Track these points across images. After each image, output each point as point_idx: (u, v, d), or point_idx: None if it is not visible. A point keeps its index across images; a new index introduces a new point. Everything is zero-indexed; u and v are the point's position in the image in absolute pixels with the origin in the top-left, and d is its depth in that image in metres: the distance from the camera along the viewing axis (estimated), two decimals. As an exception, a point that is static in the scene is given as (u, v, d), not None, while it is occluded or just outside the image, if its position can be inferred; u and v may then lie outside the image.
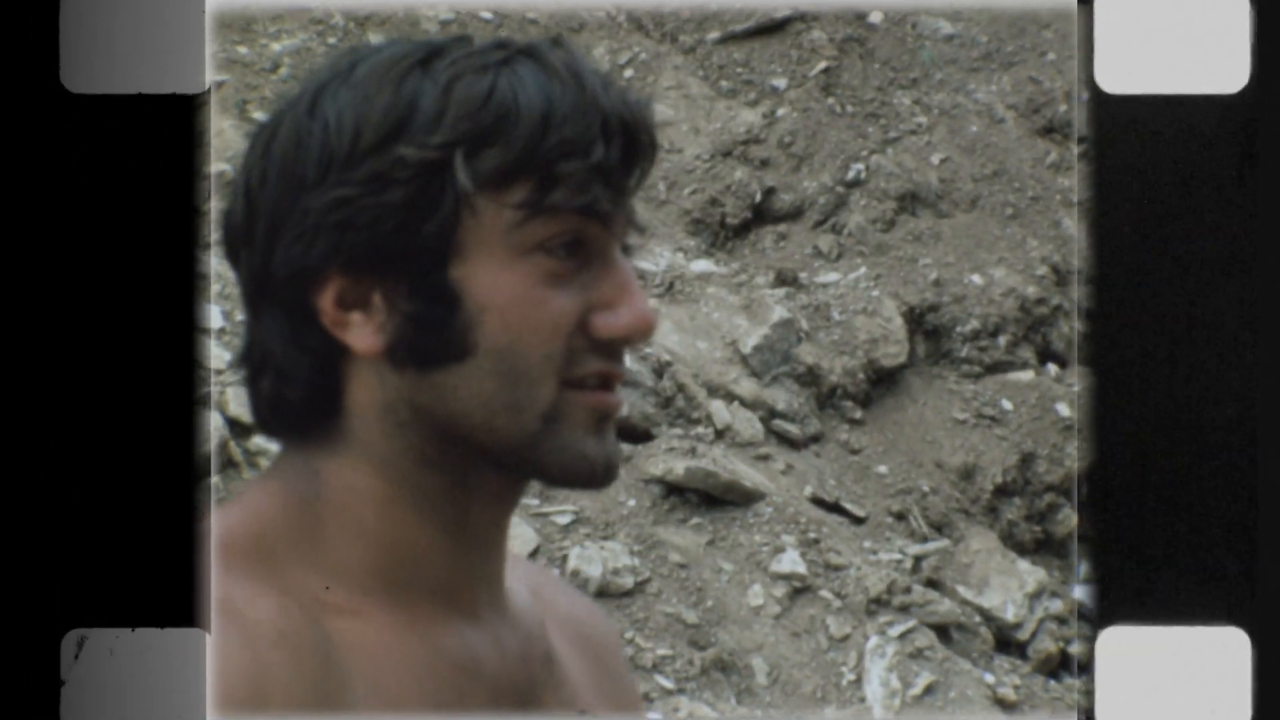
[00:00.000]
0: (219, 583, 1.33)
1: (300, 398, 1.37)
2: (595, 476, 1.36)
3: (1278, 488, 1.33)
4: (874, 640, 5.88)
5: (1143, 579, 1.34)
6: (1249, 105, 1.36)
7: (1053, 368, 6.99)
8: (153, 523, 1.36)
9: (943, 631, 6.03)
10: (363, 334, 1.35)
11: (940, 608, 6.04)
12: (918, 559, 6.19)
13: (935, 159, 7.35)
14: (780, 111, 7.37)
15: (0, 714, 1.35)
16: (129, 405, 1.37)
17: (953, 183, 7.27)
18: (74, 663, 1.34)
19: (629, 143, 1.34)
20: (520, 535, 6.12)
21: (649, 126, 1.36)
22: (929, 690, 5.79)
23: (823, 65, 7.45)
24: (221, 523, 1.37)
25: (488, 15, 7.34)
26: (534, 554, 6.09)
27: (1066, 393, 6.78)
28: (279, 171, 1.35)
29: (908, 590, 5.98)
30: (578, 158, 1.32)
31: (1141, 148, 1.36)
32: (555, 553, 6.10)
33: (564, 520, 6.19)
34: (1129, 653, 1.35)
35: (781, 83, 7.46)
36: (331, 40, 7.15)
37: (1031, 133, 7.56)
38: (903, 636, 5.88)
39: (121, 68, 1.38)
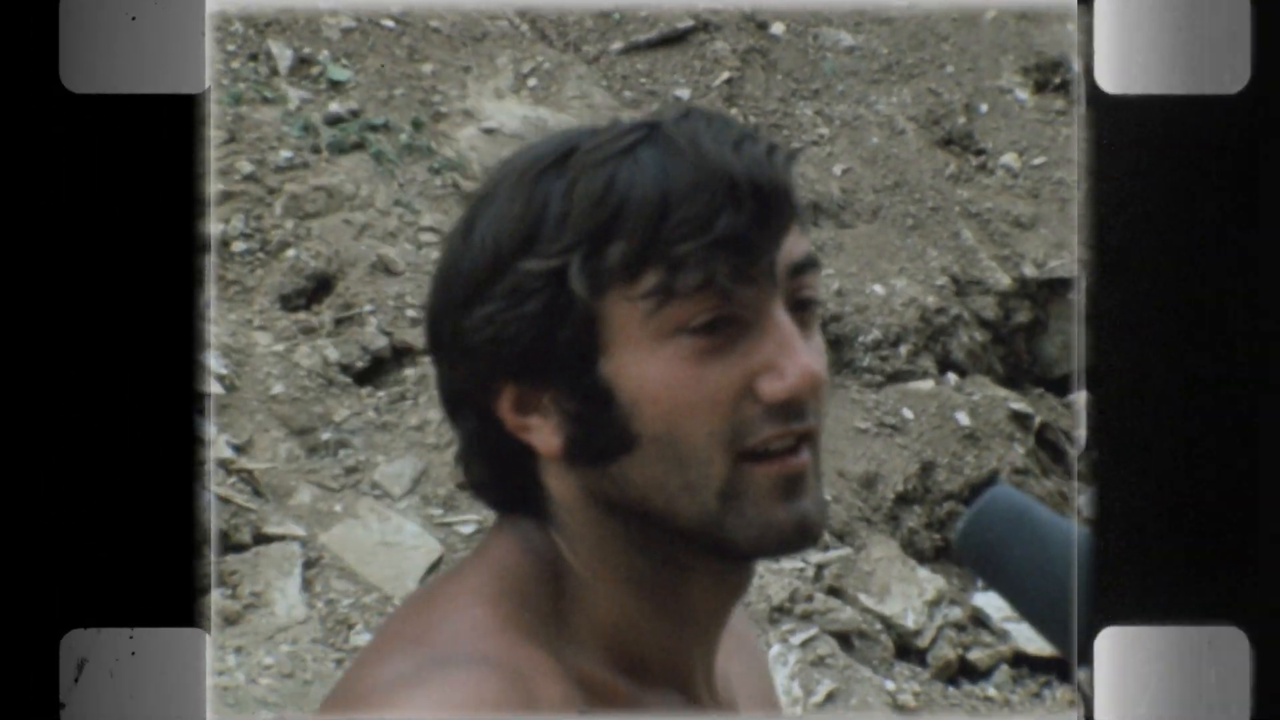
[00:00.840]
0: (498, 637, 1.34)
1: (504, 492, 1.41)
2: (787, 543, 1.36)
3: (1278, 488, 1.33)
4: (776, 648, 5.90)
5: (1142, 579, 1.34)
6: (1249, 105, 1.36)
7: (952, 377, 7.04)
8: (153, 523, 1.34)
9: (844, 639, 6.06)
10: (543, 436, 1.37)
11: (842, 615, 6.08)
12: (820, 567, 6.22)
13: (837, 170, 7.39)
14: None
15: (1, 714, 1.32)
16: (129, 405, 1.35)
17: (854, 193, 7.31)
18: (74, 686, 1.31)
19: (761, 205, 1.33)
20: (424, 546, 6.09)
21: (783, 183, 1.35)
22: (830, 698, 5.82)
23: (725, 76, 7.47)
24: (480, 579, 1.39)
25: (390, 24, 7.30)
26: (437, 564, 6.06)
27: (966, 401, 6.84)
28: (444, 292, 1.39)
29: (810, 598, 6.01)
30: (695, 236, 1.31)
31: (1141, 148, 1.36)
32: (456, 562, 6.07)
33: (468, 530, 6.17)
34: (1128, 652, 1.35)
35: (685, 93, 7.48)
36: (230, 47, 7.08)
37: (931, 144, 7.61)
38: (805, 644, 5.90)
39: (121, 68, 1.36)
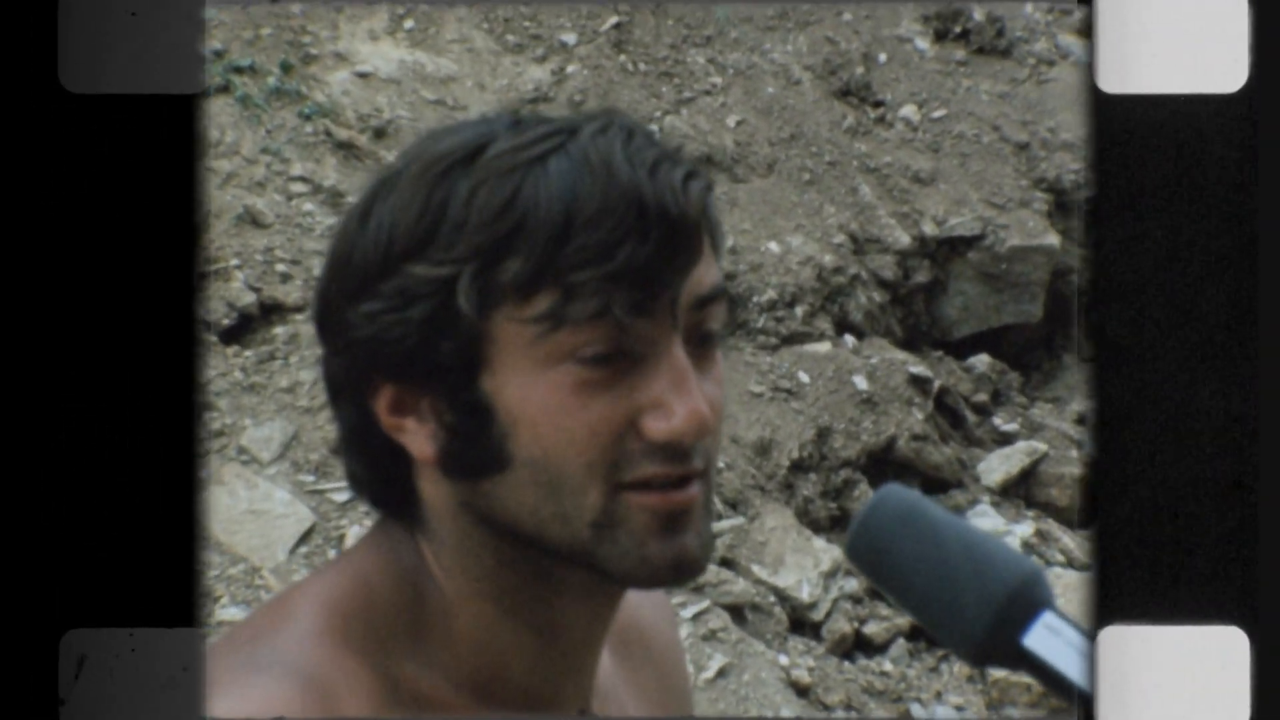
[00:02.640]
0: (314, 645, 1.35)
1: (377, 490, 1.41)
2: (660, 578, 1.36)
3: (1278, 487, 1.40)
4: (667, 622, 5.93)
5: (1142, 578, 1.41)
6: (1248, 104, 1.42)
7: (850, 339, 7.08)
8: (153, 523, 1.37)
9: (737, 612, 6.11)
10: (417, 440, 1.37)
11: (735, 587, 6.12)
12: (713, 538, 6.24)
13: (731, 121, 7.42)
14: (570, 69, 7.39)
15: (1, 713, 1.35)
16: (128, 404, 1.38)
17: (749, 146, 7.35)
18: (74, 682, 1.35)
19: (669, 235, 1.32)
20: (295, 514, 6.08)
21: (695, 215, 1.33)
22: (722, 673, 5.87)
23: (614, 21, 7.48)
24: (330, 587, 1.39)
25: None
26: (309, 533, 6.05)
27: (864, 365, 6.89)
28: (334, 277, 1.38)
29: (702, 569, 6.04)
30: (596, 264, 1.30)
31: (1141, 147, 1.42)
32: (332, 531, 6.07)
33: (341, 498, 6.17)
34: (1128, 652, 1.41)
35: (571, 38, 7.48)
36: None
37: (828, 95, 7.66)
38: (696, 618, 5.94)
39: (121, 68, 1.39)
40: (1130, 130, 1.42)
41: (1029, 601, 1.33)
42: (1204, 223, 1.41)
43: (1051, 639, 1.31)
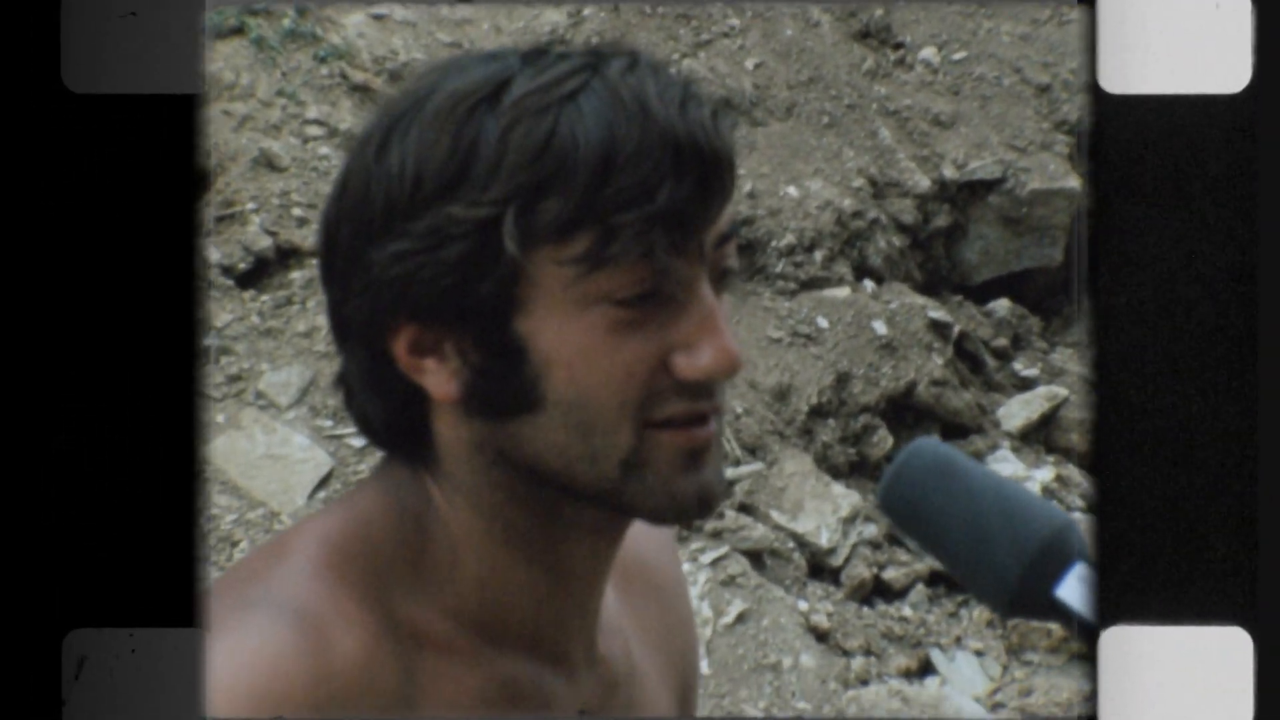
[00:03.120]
0: (309, 582, 1.35)
1: (389, 430, 1.40)
2: (686, 512, 1.38)
3: (1278, 487, 1.41)
4: (686, 567, 5.95)
5: (1143, 578, 1.42)
6: (1250, 105, 1.42)
7: (869, 284, 7.07)
8: (153, 523, 1.38)
9: (755, 558, 6.12)
10: (438, 380, 1.37)
11: (754, 533, 6.13)
12: (731, 483, 6.26)
13: (749, 64, 7.40)
14: (587, 11, 7.37)
15: (1, 714, 1.37)
16: (129, 404, 1.39)
17: (767, 89, 7.33)
18: (74, 682, 1.36)
19: (703, 175, 1.33)
20: (313, 459, 6.10)
21: (728, 153, 1.34)
22: (741, 619, 5.89)
23: (629, -37, 7.46)
24: (330, 526, 1.40)
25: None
26: (328, 478, 6.08)
27: (883, 310, 6.89)
28: (349, 215, 1.36)
29: (721, 515, 6.06)
30: (637, 206, 1.31)
31: (1142, 147, 1.43)
32: (350, 476, 6.09)
33: (360, 443, 6.18)
34: (1130, 652, 1.42)
35: (588, -20, 7.46)
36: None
37: (848, 37, 7.63)
38: (715, 563, 5.96)
39: (122, 68, 1.40)
40: (1131, 130, 1.43)
41: (1061, 553, 1.35)
42: (1205, 223, 1.42)
43: (1083, 590, 1.33)
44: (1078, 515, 6.47)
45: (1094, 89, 1.43)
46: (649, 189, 1.31)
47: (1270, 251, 1.41)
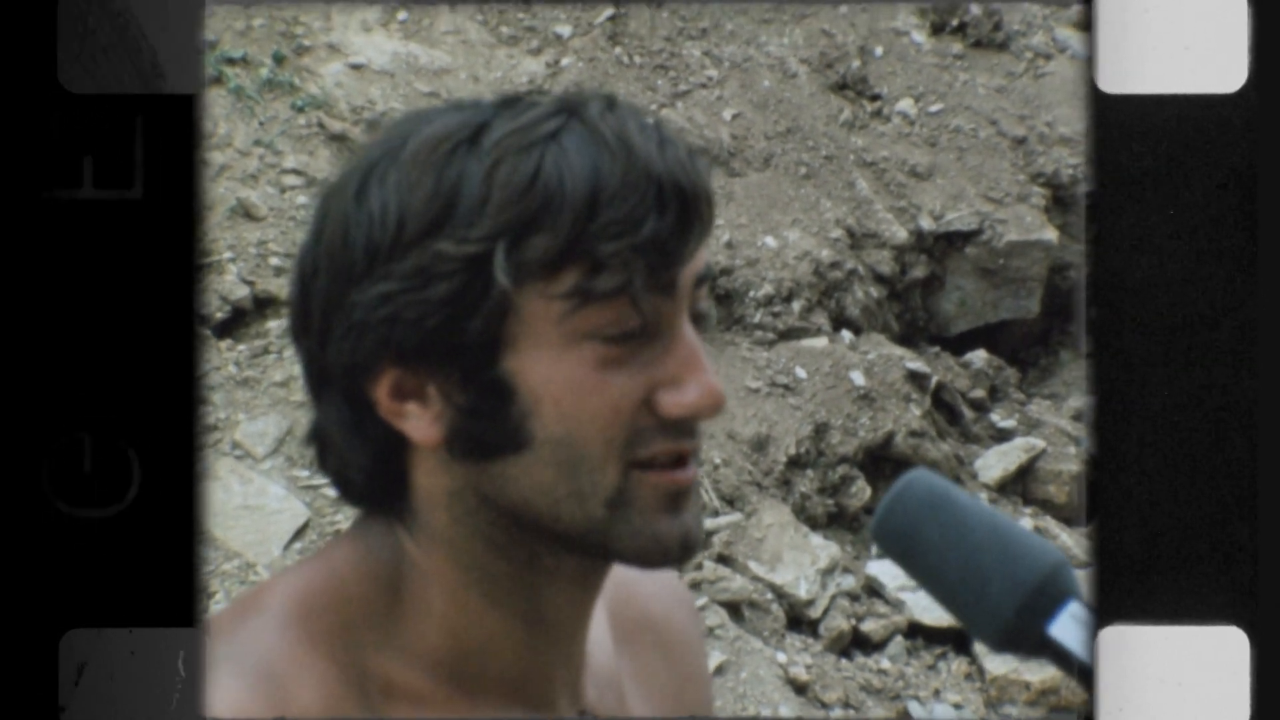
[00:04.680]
0: (273, 639, 1.36)
1: (364, 482, 1.40)
2: (670, 556, 1.39)
3: (1278, 487, 1.41)
4: (664, 618, 5.93)
5: (1142, 578, 1.42)
6: (1248, 104, 1.43)
7: (847, 335, 7.09)
8: (153, 523, 1.38)
9: (734, 609, 6.11)
10: (420, 425, 1.37)
11: (732, 584, 6.13)
12: (709, 534, 6.26)
13: (727, 114, 7.43)
14: (565, 61, 7.40)
15: (1, 713, 1.36)
16: (127, 403, 1.39)
17: (745, 140, 7.36)
18: (73, 686, 1.36)
19: (684, 210, 1.34)
20: (289, 510, 6.09)
21: (706, 190, 1.36)
22: (720, 670, 5.88)
23: (609, 13, 7.49)
24: (300, 580, 1.41)
25: (251, -50, 7.25)
26: (304, 528, 6.06)
27: (861, 360, 6.90)
28: (327, 260, 1.37)
29: (699, 566, 6.06)
30: (623, 238, 1.32)
31: (1141, 147, 1.44)
32: (327, 526, 6.08)
33: (336, 493, 6.16)
34: (1129, 652, 1.42)
35: (566, 30, 7.49)
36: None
37: (825, 88, 7.66)
38: (693, 614, 5.94)
39: (122, 68, 1.40)
40: (1130, 130, 1.44)
41: (1055, 591, 1.35)
42: (1204, 222, 1.42)
43: (1076, 628, 1.34)
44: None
45: (1092, 89, 1.44)
46: (634, 223, 1.32)
47: (1269, 250, 1.42)
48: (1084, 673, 1.35)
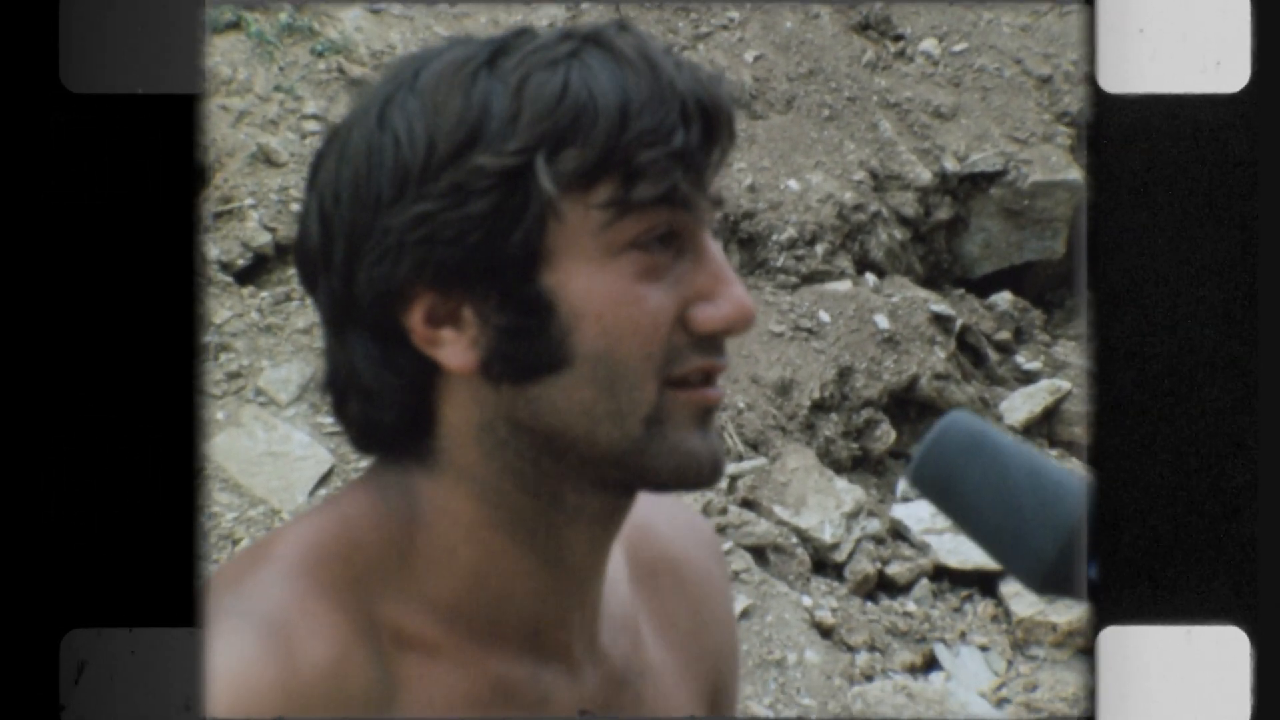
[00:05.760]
0: (282, 588, 1.35)
1: (392, 419, 1.38)
2: (704, 475, 1.38)
3: (1278, 487, 1.42)
4: (689, 563, 5.93)
5: (1143, 578, 1.42)
6: (1249, 104, 1.43)
7: (871, 278, 7.08)
8: (153, 523, 1.39)
9: (759, 553, 6.13)
10: (455, 351, 1.36)
11: (757, 529, 6.14)
12: (734, 478, 6.27)
13: (749, 56, 7.41)
14: (585, 4, 7.38)
15: (1, 713, 1.37)
16: (129, 403, 1.39)
17: (767, 82, 7.34)
18: (74, 686, 1.37)
19: (708, 124, 1.35)
20: (314, 456, 6.11)
21: (726, 105, 1.37)
22: (745, 614, 5.89)
23: (630, -45, 7.47)
24: (310, 528, 1.40)
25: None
26: (328, 475, 6.08)
27: (885, 303, 6.90)
28: (352, 189, 1.35)
29: (724, 511, 6.07)
30: (659, 147, 1.33)
31: (1141, 147, 1.44)
32: (351, 473, 6.10)
33: (354, 440, 6.17)
34: (1128, 651, 1.43)
35: (586, -27, 7.47)
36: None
37: (847, 29, 7.64)
38: (718, 559, 5.95)
39: (121, 68, 1.40)
40: (1131, 130, 1.44)
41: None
42: (1205, 222, 1.43)
43: None
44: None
45: (1093, 88, 1.44)
46: (666, 132, 1.33)
47: (1269, 250, 1.42)
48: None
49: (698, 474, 1.38)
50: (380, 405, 1.38)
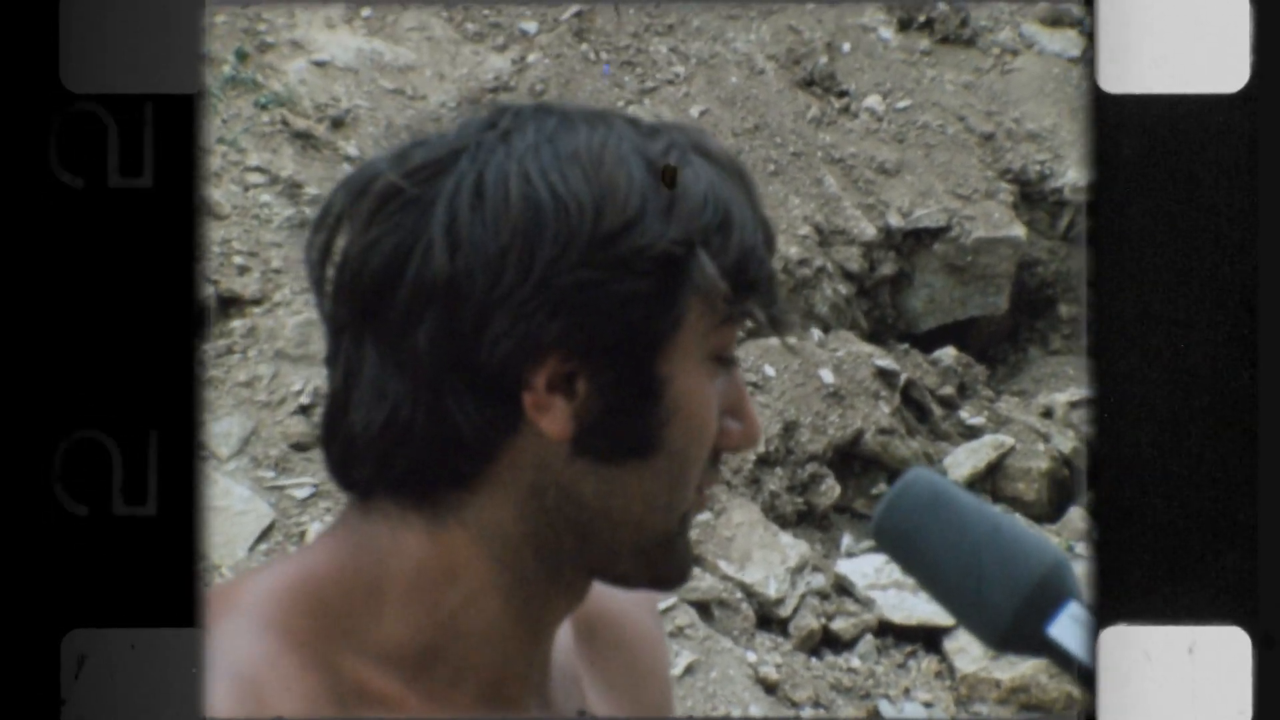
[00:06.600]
0: (250, 641, 1.36)
1: (452, 468, 1.38)
2: (686, 574, 1.45)
3: (1278, 488, 1.42)
4: (633, 618, 5.93)
5: (1143, 578, 1.43)
6: (1249, 104, 1.44)
7: (816, 332, 7.11)
8: (154, 522, 1.38)
9: (704, 608, 6.13)
10: (558, 418, 1.38)
11: (702, 584, 6.14)
12: (679, 533, 6.24)
13: (694, 111, 7.44)
14: (531, 58, 7.40)
15: (1, 714, 1.36)
16: (128, 404, 1.39)
17: (712, 137, 7.36)
18: (74, 682, 1.36)
19: (771, 249, 1.42)
20: (254, 511, 6.09)
21: (774, 231, 1.44)
22: (690, 670, 5.89)
23: (575, 9, 7.49)
24: (278, 578, 1.40)
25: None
26: (269, 529, 6.06)
27: (830, 358, 6.92)
28: (506, 236, 1.36)
29: (668, 565, 6.05)
30: (761, 265, 1.39)
31: (1141, 147, 1.45)
32: (293, 528, 6.08)
33: (302, 494, 6.16)
34: (1129, 652, 1.43)
35: (532, 27, 7.49)
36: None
37: (792, 85, 7.68)
38: (663, 614, 5.96)
39: (121, 68, 1.40)
40: (1130, 130, 1.44)
41: (1054, 592, 1.37)
42: (1204, 223, 1.43)
43: (1076, 629, 1.35)
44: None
45: (1093, 89, 1.45)
46: (762, 254, 1.40)
47: (1270, 251, 1.43)
48: (1084, 673, 1.37)
49: (682, 575, 1.44)
50: (451, 452, 1.39)
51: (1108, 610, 1.43)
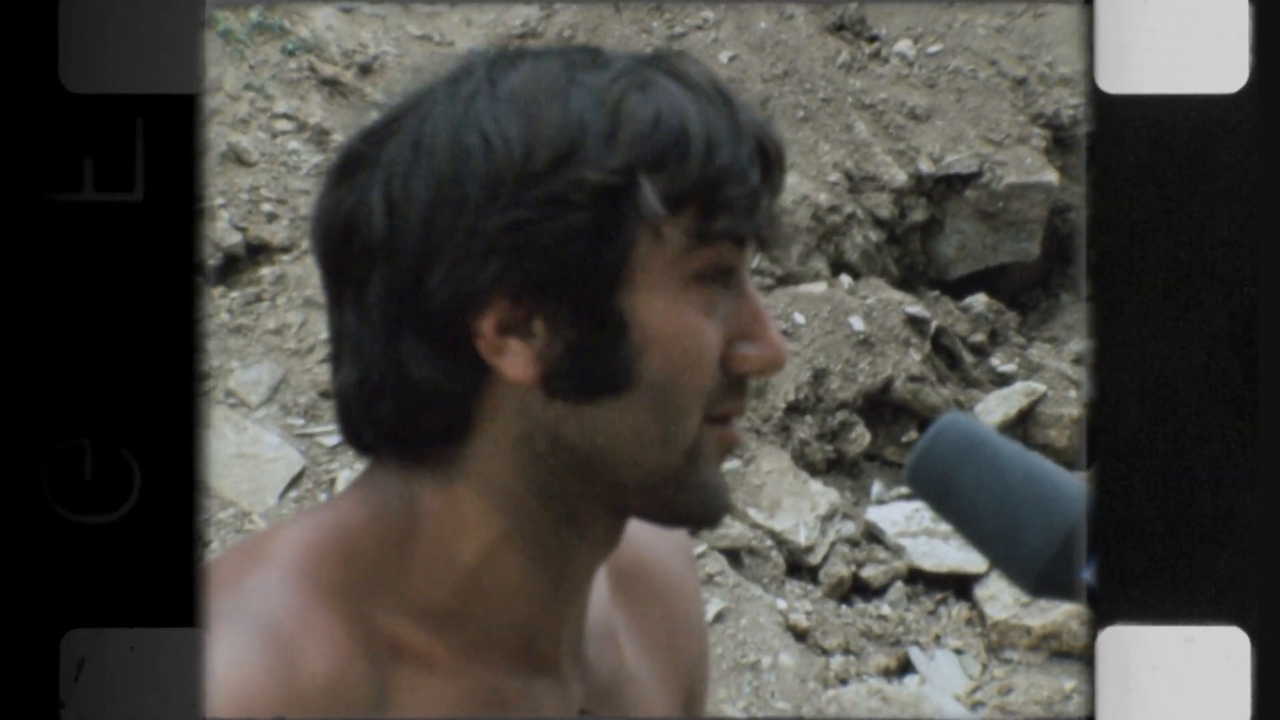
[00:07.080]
0: (282, 594, 1.35)
1: (431, 423, 1.37)
2: (720, 513, 1.41)
3: (1278, 487, 1.43)
4: (663, 566, 5.94)
5: (1142, 578, 1.43)
6: (1249, 104, 1.44)
7: (846, 279, 7.10)
8: (153, 522, 1.39)
9: (733, 556, 6.14)
10: (519, 361, 1.36)
11: (731, 532, 6.15)
12: (708, 481, 6.24)
13: (724, 57, 7.42)
14: (558, 4, 7.38)
15: (1, 714, 1.37)
16: (128, 403, 1.40)
17: (742, 83, 7.34)
18: (73, 684, 1.37)
19: (770, 165, 1.37)
20: (284, 458, 6.11)
21: (782, 147, 1.39)
22: (720, 617, 5.91)
23: (603, -44, 7.48)
24: (308, 530, 1.40)
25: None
26: (299, 477, 6.08)
27: (860, 305, 6.91)
28: (434, 187, 1.35)
29: (697, 514, 6.06)
30: (738, 183, 1.34)
31: (1141, 147, 1.45)
32: (323, 475, 6.10)
33: (332, 441, 6.18)
34: (1129, 652, 1.44)
35: (560, -28, 7.48)
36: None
37: (822, 30, 7.65)
38: (692, 562, 5.96)
39: (121, 68, 1.40)
40: (1130, 130, 1.44)
41: (1089, 535, 1.37)
42: (1204, 223, 1.43)
43: None
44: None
45: (1092, 88, 1.45)
46: (742, 169, 1.35)
47: (1269, 251, 1.43)
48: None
49: (717, 510, 1.41)
50: (423, 408, 1.37)
51: (1108, 610, 1.43)
